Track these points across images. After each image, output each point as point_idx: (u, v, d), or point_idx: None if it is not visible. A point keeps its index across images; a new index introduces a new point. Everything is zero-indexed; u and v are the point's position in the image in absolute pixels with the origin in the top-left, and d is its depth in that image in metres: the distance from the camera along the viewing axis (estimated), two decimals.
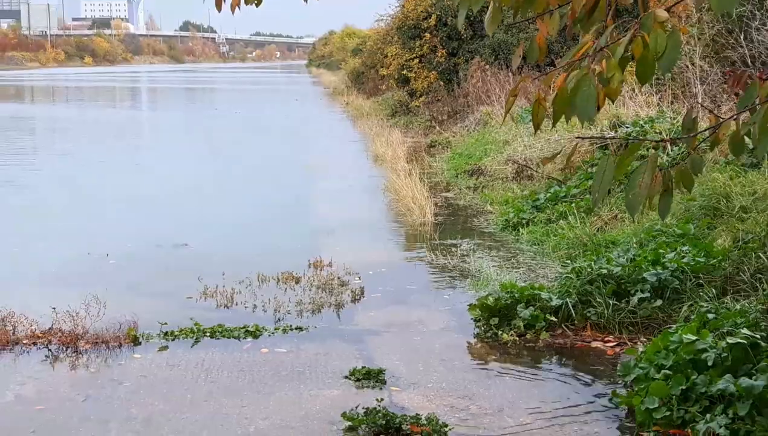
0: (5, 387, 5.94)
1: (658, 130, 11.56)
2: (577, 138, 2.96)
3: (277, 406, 5.55)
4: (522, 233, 10.22)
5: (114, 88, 63.77)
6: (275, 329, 7.04)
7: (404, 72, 24.70)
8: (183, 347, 6.68)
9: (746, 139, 3.03)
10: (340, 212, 12.46)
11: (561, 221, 9.95)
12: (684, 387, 5.07)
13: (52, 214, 12.44)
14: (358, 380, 5.94)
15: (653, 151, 3.04)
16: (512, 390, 5.80)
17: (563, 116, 3.03)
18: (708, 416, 4.84)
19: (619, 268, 7.08)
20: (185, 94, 56.20)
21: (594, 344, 6.61)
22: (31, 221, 12.05)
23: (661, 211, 3.06)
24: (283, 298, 7.89)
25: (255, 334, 6.92)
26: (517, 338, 6.73)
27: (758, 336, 5.22)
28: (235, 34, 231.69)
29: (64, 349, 6.60)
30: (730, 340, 5.17)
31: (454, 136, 19.15)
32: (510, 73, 20.19)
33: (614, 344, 6.59)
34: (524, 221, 10.56)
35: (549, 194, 11.05)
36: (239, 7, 4.14)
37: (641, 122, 12.23)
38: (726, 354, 5.13)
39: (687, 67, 13.06)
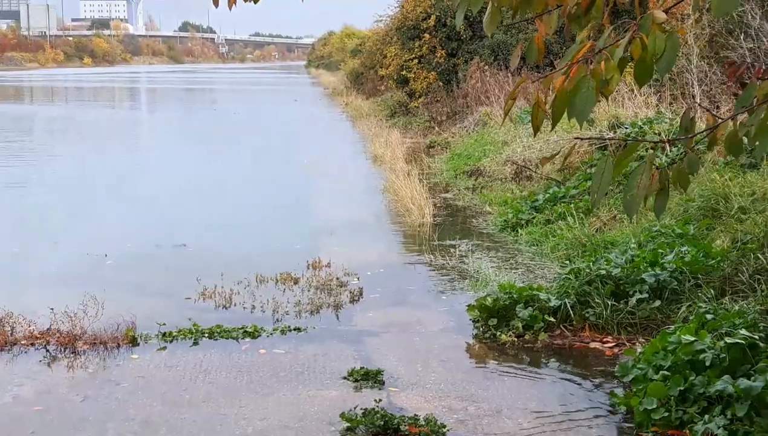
0: (3, 388, 5.93)
1: (656, 131, 11.56)
2: (575, 139, 2.96)
3: (275, 407, 5.54)
4: (521, 234, 10.22)
5: (113, 88, 63.76)
6: (274, 330, 7.03)
7: (403, 72, 24.71)
8: (181, 347, 6.67)
9: (744, 139, 3.03)
10: (339, 213, 12.46)
11: (560, 222, 9.95)
12: (682, 388, 5.08)
13: (51, 215, 12.44)
14: (356, 380, 5.93)
15: (651, 152, 3.03)
16: (511, 391, 5.80)
17: (562, 118, 3.04)
18: (706, 417, 4.84)
19: (618, 269, 7.07)
20: (184, 94, 56.19)
21: (592, 345, 6.61)
22: (30, 221, 12.05)
23: (657, 211, 3.06)
24: (282, 299, 7.88)
25: (253, 335, 6.91)
26: (516, 339, 6.72)
27: (757, 337, 5.22)
28: (235, 34, 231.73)
29: (63, 349, 6.59)
30: (729, 340, 5.17)
31: (453, 137, 19.15)
32: (509, 74, 20.19)
33: (613, 344, 6.58)
34: (523, 222, 10.56)
35: (548, 195, 11.05)
36: (236, 4, 4.13)
37: (640, 123, 12.23)
38: (724, 355, 5.13)
39: (686, 67, 13.06)
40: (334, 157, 18.97)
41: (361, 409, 5.26)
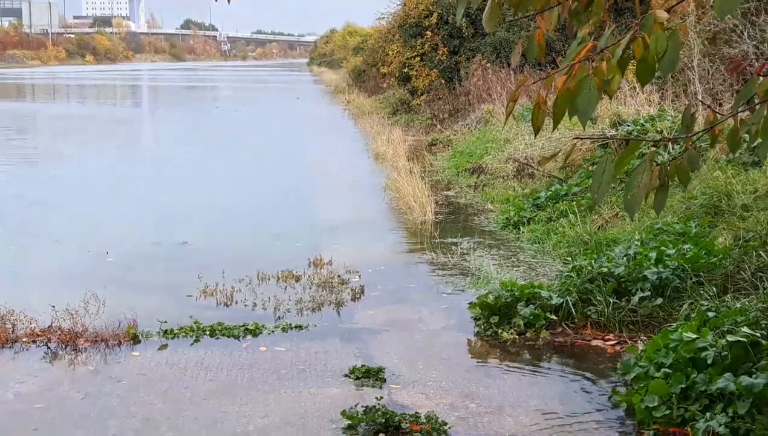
0: (5, 385, 5.93)
1: (659, 129, 11.54)
2: (574, 139, 2.95)
3: (276, 404, 5.54)
4: (523, 232, 10.21)
5: (115, 86, 63.78)
6: (275, 328, 7.03)
7: (405, 70, 24.69)
8: (182, 345, 6.67)
9: (745, 135, 3.02)
10: (341, 210, 12.45)
11: (562, 220, 9.94)
12: (684, 386, 5.07)
13: (51, 212, 12.44)
14: (357, 378, 5.93)
15: (652, 149, 3.02)
16: (512, 389, 5.79)
17: (563, 117, 3.03)
18: (708, 414, 4.83)
19: (620, 267, 7.06)
20: (186, 92, 56.21)
21: (594, 343, 6.60)
22: (31, 219, 12.06)
23: (657, 207, 3.06)
24: (283, 296, 7.88)
25: (255, 332, 6.91)
26: (517, 337, 6.72)
27: (759, 335, 5.21)
28: (237, 32, 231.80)
29: (64, 347, 6.59)
30: (730, 338, 5.16)
31: (455, 135, 19.13)
32: (511, 71, 20.17)
33: (614, 342, 6.58)
34: (525, 220, 10.55)
35: (550, 193, 11.04)
36: None
37: (642, 121, 12.21)
38: (726, 353, 5.12)
39: (688, 65, 13.03)
40: (336, 155, 18.97)
41: (363, 406, 5.26)
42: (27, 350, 6.57)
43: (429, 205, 11.64)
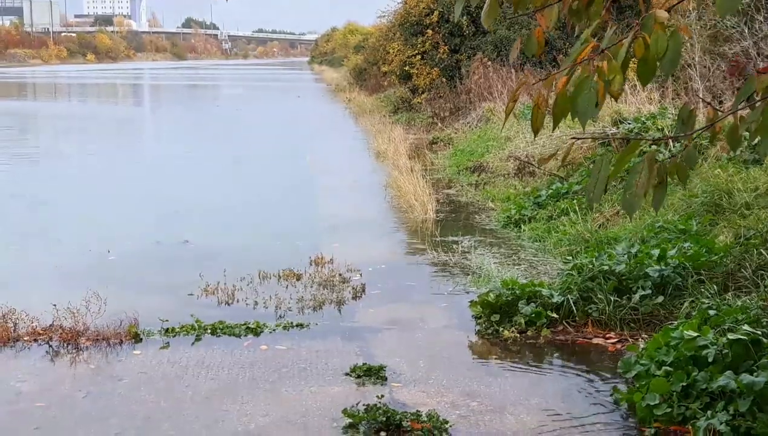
0: (7, 384, 5.94)
1: (659, 127, 11.53)
2: (572, 139, 2.95)
3: (277, 403, 5.55)
4: (523, 230, 10.21)
5: (116, 85, 63.80)
6: (276, 326, 7.03)
7: (406, 68, 24.68)
8: (184, 343, 6.68)
9: (745, 133, 3.02)
10: (342, 209, 12.46)
11: (563, 218, 9.94)
12: (685, 384, 5.07)
13: (53, 211, 12.45)
14: (359, 376, 5.93)
15: (653, 148, 3.03)
16: (513, 387, 5.80)
17: (563, 118, 3.03)
18: (709, 412, 4.83)
19: (621, 265, 7.06)
20: (187, 91, 56.22)
21: (595, 341, 6.60)
22: (32, 217, 12.06)
23: (655, 204, 3.06)
24: (284, 295, 7.88)
25: (256, 331, 6.91)
26: (518, 335, 6.72)
27: (759, 333, 5.21)
28: (238, 31, 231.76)
29: (65, 346, 6.60)
30: (731, 336, 5.15)
31: (456, 133, 19.13)
32: (512, 70, 20.16)
33: (615, 340, 6.58)
34: (526, 218, 10.55)
35: (551, 191, 11.04)
36: None
37: (643, 118, 12.21)
38: (727, 351, 5.12)
39: (688, 62, 13.02)
40: (337, 154, 18.97)
41: (364, 405, 5.26)
42: (28, 348, 6.58)
43: (430, 204, 11.64)
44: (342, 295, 7.89)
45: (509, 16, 18.77)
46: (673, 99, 13.69)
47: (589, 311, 6.86)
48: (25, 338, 6.71)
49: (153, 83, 67.87)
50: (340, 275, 8.49)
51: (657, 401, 5.08)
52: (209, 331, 6.89)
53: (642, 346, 5.85)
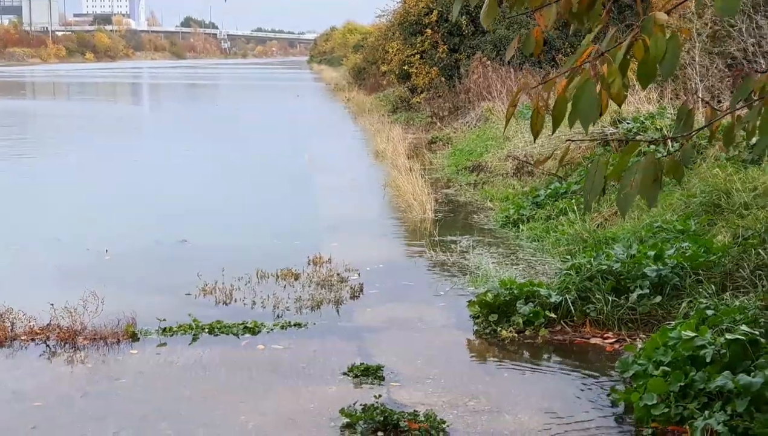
0: (4, 383, 5.93)
1: (658, 126, 11.53)
2: (567, 140, 2.94)
3: (275, 402, 5.54)
4: (522, 230, 10.21)
5: (115, 84, 63.77)
6: (274, 326, 7.02)
7: (405, 68, 24.68)
8: (181, 343, 6.67)
9: (743, 133, 3.02)
10: (340, 208, 12.45)
11: (561, 218, 9.94)
12: (682, 384, 5.06)
13: (51, 210, 12.44)
14: (356, 376, 5.93)
15: (651, 148, 3.03)
16: (511, 387, 5.79)
17: (563, 121, 3.03)
18: (706, 412, 4.82)
19: (619, 264, 7.06)
20: (186, 90, 56.20)
21: (593, 341, 6.59)
22: (30, 216, 12.05)
23: (649, 200, 3.06)
24: (282, 294, 7.87)
25: (254, 330, 6.90)
26: (516, 335, 6.71)
27: (757, 333, 5.21)
28: (237, 30, 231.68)
29: (63, 345, 6.59)
30: (729, 336, 5.15)
31: (455, 132, 19.13)
32: (511, 69, 20.16)
33: (613, 340, 6.57)
34: (524, 218, 10.54)
35: (549, 191, 11.04)
36: None
37: (642, 118, 12.20)
38: (725, 351, 5.12)
39: (688, 63, 13.02)
40: (336, 153, 18.97)
41: (361, 405, 5.26)
42: (26, 348, 6.57)
43: (428, 203, 11.64)
44: (340, 294, 7.88)
45: (508, 15, 18.77)
46: (672, 99, 13.69)
47: (587, 310, 6.85)
48: (23, 338, 6.70)
49: (152, 82, 67.84)
50: (338, 274, 8.48)
51: (654, 401, 5.07)
52: (207, 330, 6.88)
53: (640, 346, 5.84)
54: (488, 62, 21.33)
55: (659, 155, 3.14)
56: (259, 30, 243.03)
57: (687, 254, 7.09)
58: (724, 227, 7.87)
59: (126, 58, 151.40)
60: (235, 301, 7.75)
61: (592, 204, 3.09)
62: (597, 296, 6.87)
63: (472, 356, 6.46)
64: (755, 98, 2.89)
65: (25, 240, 10.46)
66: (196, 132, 25.49)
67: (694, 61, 12.93)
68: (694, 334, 5.34)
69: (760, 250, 6.86)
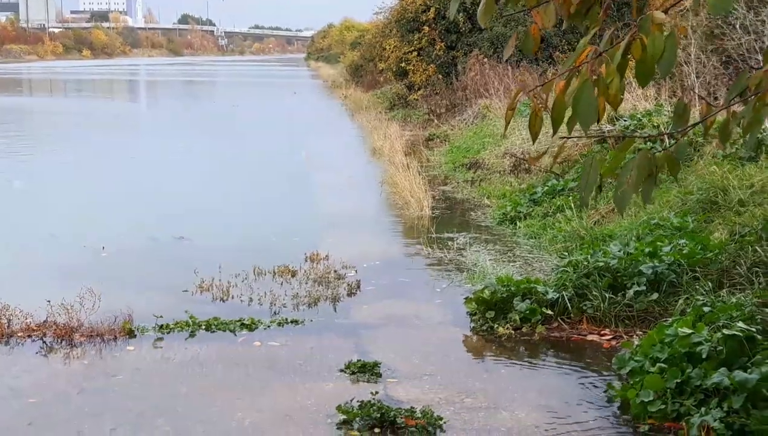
0: (0, 380, 5.92)
1: (655, 123, 11.53)
2: (563, 138, 2.93)
3: (272, 399, 5.54)
4: (519, 227, 10.21)
5: (112, 81, 63.66)
6: (271, 323, 7.02)
7: (402, 65, 24.67)
8: (178, 339, 6.66)
9: (739, 129, 3.02)
10: (338, 205, 12.45)
11: (558, 215, 9.95)
12: (679, 380, 5.07)
13: (48, 208, 12.42)
14: (353, 373, 5.93)
15: (647, 145, 3.04)
16: (508, 383, 5.79)
17: (562, 122, 3.03)
18: (703, 409, 4.83)
19: (616, 261, 7.06)
20: (183, 87, 56.14)
21: (590, 338, 6.60)
22: (27, 213, 12.04)
23: (644, 196, 3.06)
24: (279, 291, 7.87)
25: (251, 327, 6.90)
26: (513, 332, 6.72)
27: (754, 329, 5.21)
28: (234, 27, 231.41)
29: (59, 342, 6.58)
30: (726, 333, 5.16)
31: (452, 130, 19.12)
32: (509, 66, 20.15)
33: (610, 337, 6.58)
34: (521, 215, 10.55)
35: (546, 188, 11.04)
36: None
37: (639, 115, 12.21)
38: (721, 347, 5.12)
39: (684, 60, 13.03)
40: (333, 150, 18.96)
41: (358, 401, 5.26)
42: (22, 344, 6.57)
43: (426, 201, 11.64)
44: (337, 291, 7.88)
45: (505, 13, 18.77)
46: (669, 96, 13.69)
47: (584, 307, 6.86)
48: (19, 334, 6.69)
49: (149, 79, 67.75)
50: (335, 271, 8.48)
51: (651, 398, 5.08)
52: (204, 327, 6.88)
53: (636, 343, 5.85)
54: (485, 59, 21.32)
55: (654, 151, 3.14)
56: (257, 27, 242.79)
57: (684, 251, 7.10)
58: (720, 224, 7.88)
59: (123, 55, 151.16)
60: (232, 298, 7.75)
61: (589, 201, 3.08)
62: (594, 292, 6.88)
63: (469, 353, 6.46)
64: (750, 93, 2.89)
65: (21, 237, 10.45)
66: (193, 129, 25.47)
67: (690, 57, 12.93)
68: (690, 331, 5.35)
69: (756, 247, 6.87)
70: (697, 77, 12.84)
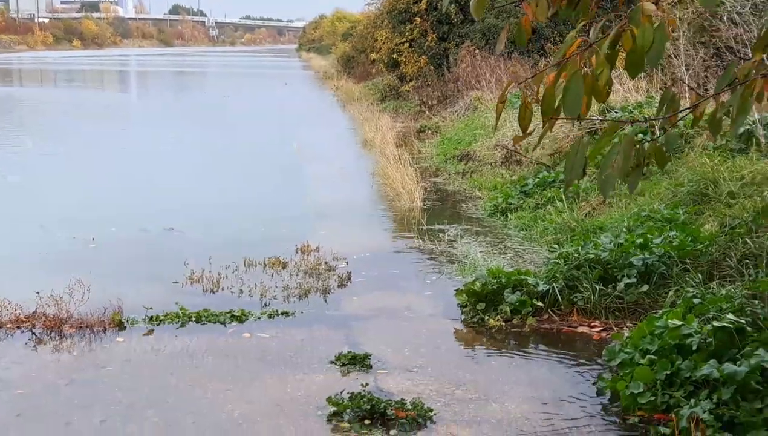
0: None
1: (646, 116, 11.54)
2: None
3: (262, 391, 5.53)
4: (510, 219, 10.21)
5: (103, 71, 63.38)
6: (261, 314, 7.01)
7: (394, 56, 24.63)
8: (168, 331, 6.65)
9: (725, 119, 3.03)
10: (329, 197, 12.42)
11: (549, 207, 9.95)
12: (669, 372, 5.08)
13: (37, 198, 12.37)
14: (343, 365, 5.92)
15: (631, 127, 3.04)
16: (498, 375, 5.80)
17: (551, 113, 3.03)
18: (692, 400, 4.84)
19: (606, 253, 7.07)
20: (174, 77, 55.93)
21: (580, 329, 6.61)
22: (15, 204, 11.98)
23: (630, 186, 3.06)
24: (270, 283, 7.86)
25: (241, 319, 6.89)
26: (504, 324, 6.72)
27: (743, 321, 5.22)
28: (225, 17, 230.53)
29: (49, 333, 6.56)
30: (716, 325, 5.17)
31: (443, 121, 19.11)
32: (500, 58, 20.13)
33: (600, 329, 6.59)
34: (512, 207, 10.55)
35: (537, 180, 11.05)
36: None
37: (630, 107, 12.23)
38: (711, 339, 5.13)
39: (673, 54, 13.04)
40: (324, 141, 18.92)
41: (348, 393, 5.25)
42: (11, 336, 6.54)
43: (417, 192, 11.63)
44: (328, 283, 7.87)
45: (497, 5, 18.73)
46: (660, 88, 13.71)
47: (575, 299, 6.87)
48: (8, 326, 6.66)
49: (139, 70, 67.46)
50: (326, 263, 8.47)
51: (641, 390, 5.09)
52: (194, 319, 6.86)
53: (627, 334, 5.85)
54: (477, 51, 21.30)
55: (642, 139, 3.14)
56: (248, 18, 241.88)
57: (674, 243, 7.11)
58: (711, 216, 7.89)
59: (113, 45, 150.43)
60: (223, 289, 7.73)
61: (573, 182, 3.08)
62: (584, 284, 6.89)
63: (459, 345, 6.46)
64: (739, 82, 2.89)
65: (9, 229, 10.40)
66: (183, 119, 25.38)
67: (680, 50, 12.94)
68: (680, 322, 5.36)
69: (747, 239, 6.88)
70: (687, 70, 12.86)
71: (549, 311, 6.86)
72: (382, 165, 13.70)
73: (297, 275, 8.12)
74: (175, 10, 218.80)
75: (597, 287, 6.84)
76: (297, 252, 8.85)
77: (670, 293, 6.60)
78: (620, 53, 3.00)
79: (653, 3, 2.94)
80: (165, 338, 6.50)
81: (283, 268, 8.34)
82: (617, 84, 14.11)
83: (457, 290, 7.19)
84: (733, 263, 6.71)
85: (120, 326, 6.68)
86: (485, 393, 5.47)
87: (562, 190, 10.27)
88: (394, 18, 24.60)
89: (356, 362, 5.93)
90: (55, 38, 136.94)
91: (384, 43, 25.27)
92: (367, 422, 5.04)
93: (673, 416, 4.85)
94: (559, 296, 6.88)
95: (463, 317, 6.92)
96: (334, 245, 9.03)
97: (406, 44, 24.30)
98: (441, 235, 9.66)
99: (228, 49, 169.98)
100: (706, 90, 12.12)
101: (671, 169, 9.56)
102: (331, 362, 5.96)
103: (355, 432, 4.95)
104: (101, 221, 10.48)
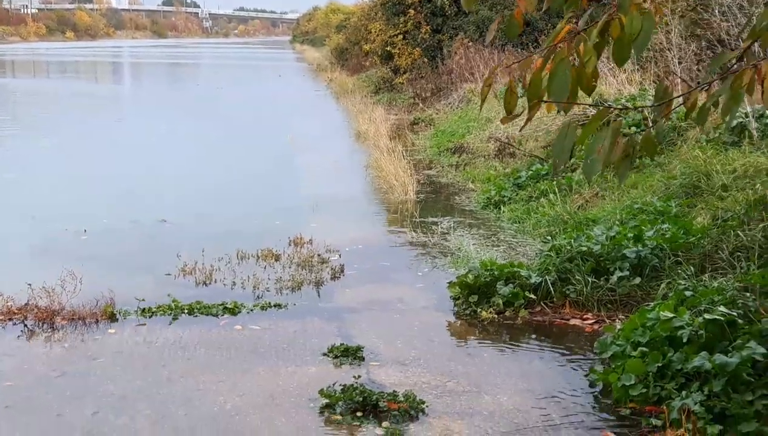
0: None
1: (639, 108, 11.54)
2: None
3: (254, 383, 5.53)
4: (503, 211, 10.22)
5: (96, 63, 63.15)
6: (254, 306, 7.00)
7: (388, 48, 24.60)
8: (160, 323, 6.64)
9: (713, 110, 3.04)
10: (322, 189, 12.41)
11: (542, 199, 9.95)
12: (660, 364, 5.09)
13: (29, 190, 12.32)
14: (336, 357, 5.92)
15: (616, 113, 3.04)
16: (490, 367, 5.81)
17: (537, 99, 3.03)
18: (684, 392, 4.85)
19: (599, 245, 7.08)
20: (168, 69, 55.75)
21: (572, 322, 6.62)
22: (6, 195, 11.94)
23: (620, 176, 3.06)
24: (263, 275, 7.85)
25: (233, 311, 6.88)
26: (496, 316, 6.73)
27: (735, 314, 5.24)
28: (219, 9, 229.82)
29: (40, 325, 6.55)
30: (707, 317, 5.18)
31: (437, 114, 19.10)
32: (494, 50, 20.13)
33: (593, 321, 6.60)
34: (505, 199, 10.56)
35: (530, 172, 11.05)
36: None
37: (623, 100, 12.23)
38: (702, 331, 5.15)
39: (667, 47, 13.04)
40: (318, 134, 18.89)
41: (341, 385, 5.26)
42: (3, 327, 6.52)
43: (410, 185, 11.62)
44: (320, 275, 7.87)
45: None
46: (653, 81, 13.72)
47: (567, 291, 6.87)
48: (0, 318, 6.64)
49: (133, 61, 67.25)
50: (318, 255, 8.47)
51: (632, 382, 5.10)
52: (186, 311, 6.86)
53: (619, 327, 5.87)
54: (470, 43, 21.28)
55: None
56: (242, 9, 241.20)
57: (666, 236, 7.12)
58: (703, 209, 7.90)
59: (106, 37, 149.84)
60: (215, 282, 7.72)
61: (561, 166, 3.09)
62: (577, 277, 6.89)
63: (451, 337, 6.47)
64: (729, 71, 2.90)
65: (1, 220, 10.36)
66: (177, 111, 25.31)
67: (671, 43, 12.94)
68: (672, 315, 5.37)
69: (739, 231, 6.89)
70: (679, 63, 12.87)
71: (541, 303, 6.87)
72: (375, 157, 13.69)
73: (290, 268, 8.11)
74: (169, 1, 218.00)
75: (589, 279, 6.85)
76: (290, 244, 8.84)
77: (663, 285, 6.61)
78: (609, 43, 3.00)
79: None
80: (157, 330, 6.50)
81: (276, 260, 8.33)
82: (611, 76, 14.12)
83: (449, 283, 7.20)
84: (725, 256, 6.72)
85: (112, 317, 6.67)
86: (477, 385, 5.48)
87: (554, 182, 10.27)
88: (388, 10, 24.56)
89: (349, 354, 5.93)
90: (48, 29, 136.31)
91: (378, 35, 25.24)
92: (359, 414, 5.04)
93: (665, 408, 4.87)
94: (551, 289, 6.89)
95: (455, 309, 6.92)
96: (327, 237, 9.02)
97: (400, 36, 24.27)
98: (434, 227, 9.66)
99: (222, 40, 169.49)
100: (699, 83, 12.13)
101: (664, 162, 9.58)
102: (324, 354, 5.96)
103: (347, 424, 4.95)
104: (93, 213, 10.45)
